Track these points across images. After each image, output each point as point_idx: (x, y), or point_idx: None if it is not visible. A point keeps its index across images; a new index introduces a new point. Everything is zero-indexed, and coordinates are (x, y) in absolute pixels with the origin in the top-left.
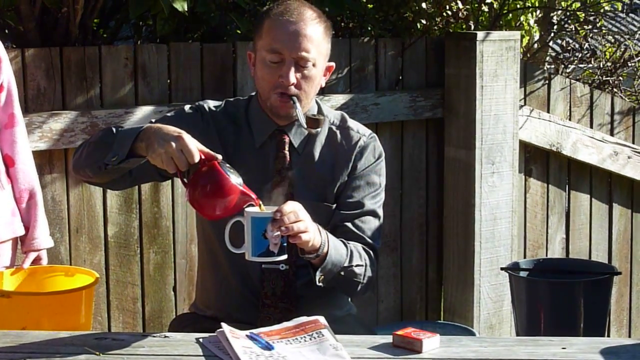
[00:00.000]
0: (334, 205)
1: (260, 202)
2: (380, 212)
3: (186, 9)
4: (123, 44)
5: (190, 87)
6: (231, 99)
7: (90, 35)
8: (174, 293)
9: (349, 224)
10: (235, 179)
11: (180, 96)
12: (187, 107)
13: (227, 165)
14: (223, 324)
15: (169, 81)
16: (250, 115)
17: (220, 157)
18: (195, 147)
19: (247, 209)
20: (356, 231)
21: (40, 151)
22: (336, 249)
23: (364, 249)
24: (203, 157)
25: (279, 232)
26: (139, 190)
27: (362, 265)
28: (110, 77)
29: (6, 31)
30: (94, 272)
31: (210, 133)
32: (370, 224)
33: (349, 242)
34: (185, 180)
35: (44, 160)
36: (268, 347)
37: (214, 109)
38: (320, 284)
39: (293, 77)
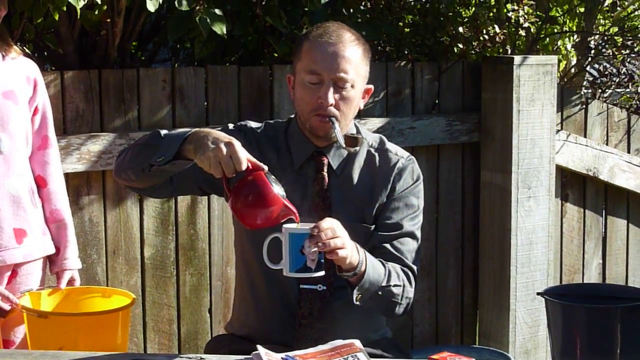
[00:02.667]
0: (373, 226)
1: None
2: (419, 234)
3: (225, 32)
4: (161, 67)
5: (227, 110)
6: (271, 121)
7: (128, 58)
8: (210, 315)
9: (387, 245)
10: (279, 191)
11: (217, 119)
12: (231, 126)
13: (273, 177)
14: (259, 346)
15: (206, 104)
16: (289, 137)
17: (266, 168)
18: (245, 155)
19: (285, 225)
20: (395, 252)
21: (78, 173)
22: (374, 268)
23: (402, 270)
24: (250, 166)
25: (316, 248)
26: (175, 212)
27: (400, 286)
28: (148, 99)
29: (45, 53)
30: (131, 294)
31: (253, 153)
32: (408, 246)
33: (387, 262)
34: (229, 186)
35: (82, 182)
36: None
37: (255, 129)
38: (358, 302)
39: (332, 98)
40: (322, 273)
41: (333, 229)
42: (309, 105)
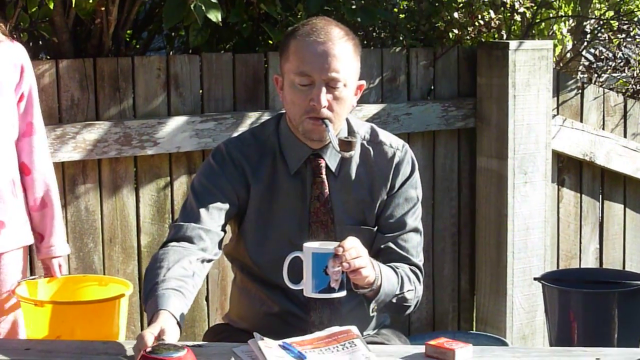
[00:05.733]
0: (375, 228)
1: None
2: (421, 226)
3: (220, 20)
4: (155, 55)
5: (223, 98)
6: (257, 126)
7: (123, 46)
8: (207, 302)
9: (392, 245)
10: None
11: (212, 106)
12: (215, 165)
13: (156, 346)
14: (255, 334)
15: (201, 91)
16: (281, 140)
17: (148, 345)
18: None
19: (305, 244)
20: (400, 252)
21: (74, 161)
22: (388, 280)
23: (411, 269)
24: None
25: (340, 268)
26: (171, 201)
27: (412, 290)
28: (143, 87)
29: (40, 42)
30: (128, 282)
31: (247, 176)
32: (413, 242)
33: (397, 267)
34: None
35: (78, 171)
36: (300, 357)
37: (240, 144)
38: (374, 313)
39: (325, 99)
40: (344, 293)
41: (356, 248)
42: (301, 107)
